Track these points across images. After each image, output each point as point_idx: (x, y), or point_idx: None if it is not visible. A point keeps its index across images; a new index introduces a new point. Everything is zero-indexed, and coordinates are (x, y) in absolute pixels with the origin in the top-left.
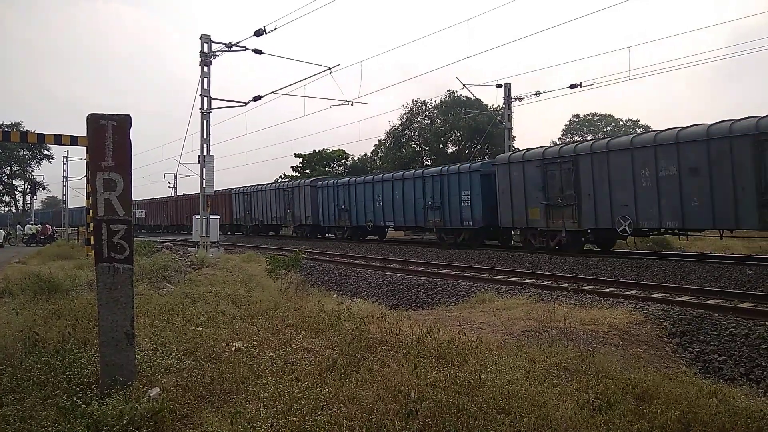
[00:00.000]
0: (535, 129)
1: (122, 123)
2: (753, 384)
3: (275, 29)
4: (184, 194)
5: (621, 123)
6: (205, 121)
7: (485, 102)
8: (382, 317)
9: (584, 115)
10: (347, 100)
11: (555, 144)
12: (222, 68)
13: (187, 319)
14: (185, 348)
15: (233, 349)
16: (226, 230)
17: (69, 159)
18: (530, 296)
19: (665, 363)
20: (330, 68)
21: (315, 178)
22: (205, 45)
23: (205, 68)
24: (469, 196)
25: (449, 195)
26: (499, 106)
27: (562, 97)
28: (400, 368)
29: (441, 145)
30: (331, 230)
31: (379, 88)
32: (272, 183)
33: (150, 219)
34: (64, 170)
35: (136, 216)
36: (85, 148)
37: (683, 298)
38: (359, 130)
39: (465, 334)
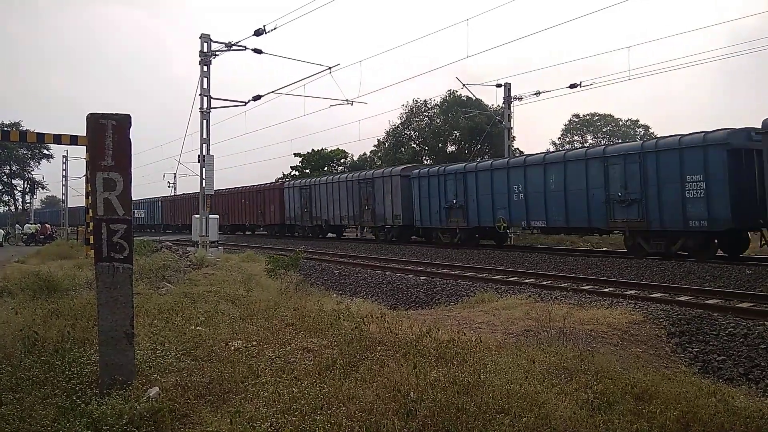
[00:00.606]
0: (534, 129)
1: (122, 122)
2: (752, 384)
3: (275, 29)
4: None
5: (621, 123)
6: (204, 121)
7: (485, 102)
8: (381, 317)
9: (584, 115)
10: (347, 100)
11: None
12: (222, 68)
13: (186, 318)
14: (185, 347)
15: (233, 348)
16: (274, 231)
17: (68, 158)
18: (529, 296)
19: (664, 363)
20: (330, 68)
21: (407, 165)
22: (205, 44)
23: (205, 68)
24: (702, 183)
25: (659, 182)
26: (499, 105)
27: (561, 97)
28: (400, 368)
29: (440, 145)
30: (429, 232)
31: (379, 87)
32: (342, 173)
33: (178, 218)
34: (63, 170)
35: (136, 215)
36: (85, 147)
37: (682, 298)
38: (359, 130)
39: (464, 334)
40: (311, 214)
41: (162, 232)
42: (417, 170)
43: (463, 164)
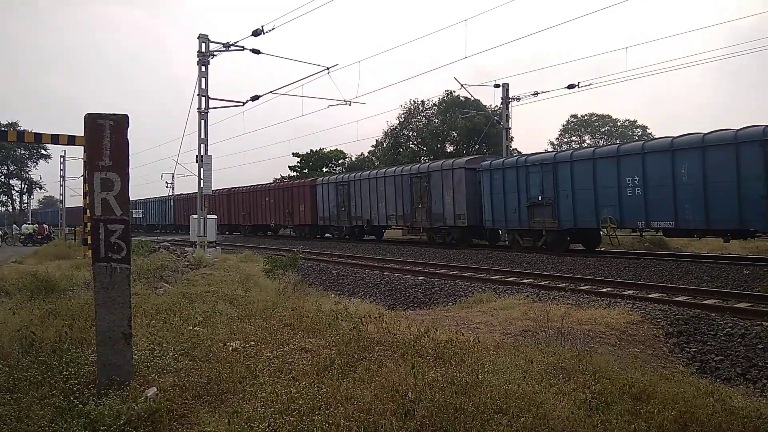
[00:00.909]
0: (532, 129)
1: (120, 122)
2: (749, 384)
3: (273, 29)
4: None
5: (618, 123)
6: (202, 121)
7: (484, 102)
8: (379, 317)
9: (582, 116)
10: (345, 100)
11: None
12: (220, 68)
13: (184, 318)
14: (182, 348)
15: (230, 348)
16: (304, 233)
17: (66, 158)
18: (528, 296)
19: (662, 363)
20: (328, 68)
21: (473, 156)
22: (203, 45)
23: (203, 68)
24: None
25: None
26: (497, 106)
27: (559, 97)
28: (398, 368)
29: (439, 145)
30: (496, 235)
31: (378, 87)
32: (390, 167)
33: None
34: (61, 170)
35: (140, 215)
36: (83, 147)
37: (680, 298)
38: (357, 130)
39: (462, 334)
40: (350, 214)
41: (175, 232)
42: (488, 162)
43: (554, 153)
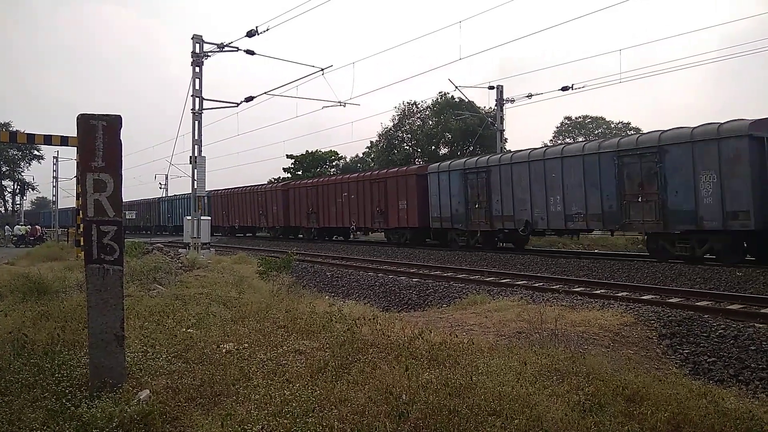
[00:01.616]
0: (527, 131)
1: (113, 123)
2: (742, 385)
3: (267, 30)
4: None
5: (612, 125)
6: (196, 122)
7: (478, 104)
8: (373, 319)
9: (576, 118)
10: (340, 101)
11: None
12: (214, 69)
13: (177, 320)
14: (176, 350)
15: (224, 351)
16: (404, 238)
17: (59, 159)
18: (522, 298)
19: (655, 364)
20: (322, 69)
21: (757, 119)
22: (197, 45)
23: (197, 69)
24: None
25: None
26: (491, 108)
27: (553, 99)
28: (392, 370)
29: (433, 147)
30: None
31: (373, 89)
32: (575, 142)
33: (233, 218)
34: (54, 171)
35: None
36: (76, 148)
37: (673, 300)
38: (352, 131)
39: (456, 336)
40: (489, 213)
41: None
42: None
43: None
